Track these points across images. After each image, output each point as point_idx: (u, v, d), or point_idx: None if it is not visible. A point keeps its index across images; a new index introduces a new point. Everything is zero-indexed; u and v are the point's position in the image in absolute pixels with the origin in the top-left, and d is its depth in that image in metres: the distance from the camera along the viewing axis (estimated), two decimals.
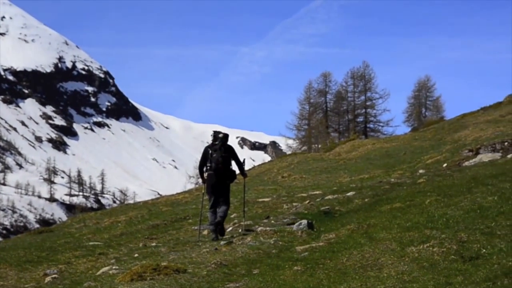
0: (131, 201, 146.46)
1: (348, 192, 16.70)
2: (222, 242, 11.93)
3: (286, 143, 78.25)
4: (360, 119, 70.50)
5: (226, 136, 13.14)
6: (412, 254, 8.64)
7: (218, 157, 12.82)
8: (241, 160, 13.22)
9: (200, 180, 63.26)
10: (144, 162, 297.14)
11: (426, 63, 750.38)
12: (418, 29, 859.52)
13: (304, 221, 12.56)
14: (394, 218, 11.36)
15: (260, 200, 17.94)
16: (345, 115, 71.28)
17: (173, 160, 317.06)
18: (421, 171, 19.68)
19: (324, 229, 12.22)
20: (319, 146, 65.66)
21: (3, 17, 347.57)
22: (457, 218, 10.22)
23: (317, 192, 17.79)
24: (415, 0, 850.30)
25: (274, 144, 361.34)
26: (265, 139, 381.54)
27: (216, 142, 13.02)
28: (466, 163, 20.70)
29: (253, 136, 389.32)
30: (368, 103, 69.68)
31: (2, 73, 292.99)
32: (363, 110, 70.03)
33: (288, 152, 68.11)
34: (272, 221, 13.64)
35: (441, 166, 19.90)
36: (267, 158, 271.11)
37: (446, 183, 14.54)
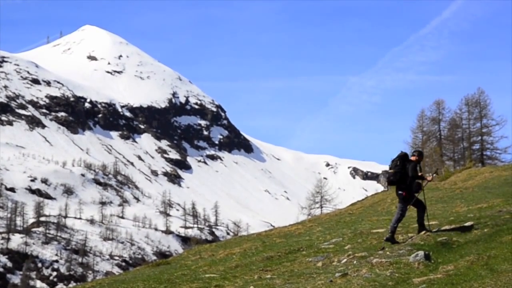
0: (245, 233, 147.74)
1: (465, 222, 16.20)
2: (337, 274, 11.84)
3: None
4: (476, 146, 68.40)
5: (400, 155, 15.34)
6: None
7: (386, 173, 16.00)
8: (417, 172, 15.12)
9: (311, 211, 63.15)
10: (256, 194, 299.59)
11: None
12: None
13: (421, 252, 12.29)
14: None
15: (375, 231, 17.68)
16: (460, 143, 69.40)
17: (285, 191, 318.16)
18: None
19: (442, 260, 11.91)
20: (434, 175, 64.20)
21: (120, 56, 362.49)
22: None
23: (433, 223, 17.34)
24: None
25: (386, 173, 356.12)
26: (378, 168, 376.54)
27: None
28: None
29: (365, 166, 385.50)
30: (484, 130, 67.55)
31: (120, 109, 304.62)
32: (479, 138, 67.94)
33: None
34: (388, 253, 13.40)
35: None
36: (380, 188, 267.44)
37: None
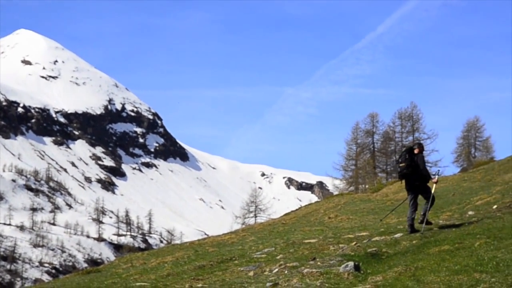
0: (178, 241, 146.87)
1: (395, 233, 16.50)
2: (268, 284, 11.88)
3: (333, 184, 77.66)
4: None
5: (407, 148, 16.39)
6: None
7: (398, 167, 16.48)
8: (426, 168, 16.30)
9: (246, 221, 63.32)
10: (191, 202, 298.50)
11: (475, 104, 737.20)
12: (465, 69, 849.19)
13: (351, 263, 12.42)
14: (442, 261, 11.17)
15: (307, 241, 17.82)
16: (393, 156, 70.60)
17: (220, 200, 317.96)
18: (470, 212, 19.34)
19: (371, 271, 12.07)
20: (366, 186, 65.04)
21: (56, 61, 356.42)
22: (507, 262, 10.00)
23: (364, 234, 17.61)
24: (460, 42, 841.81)
25: (321, 184, 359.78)
26: (312, 179, 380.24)
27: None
28: None
29: (300, 176, 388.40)
30: None
31: (54, 115, 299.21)
32: None
33: (335, 193, 67.62)
34: (319, 263, 13.51)
35: (491, 208, 19.51)
36: (314, 198, 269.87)
37: (496, 225, 14.28)
